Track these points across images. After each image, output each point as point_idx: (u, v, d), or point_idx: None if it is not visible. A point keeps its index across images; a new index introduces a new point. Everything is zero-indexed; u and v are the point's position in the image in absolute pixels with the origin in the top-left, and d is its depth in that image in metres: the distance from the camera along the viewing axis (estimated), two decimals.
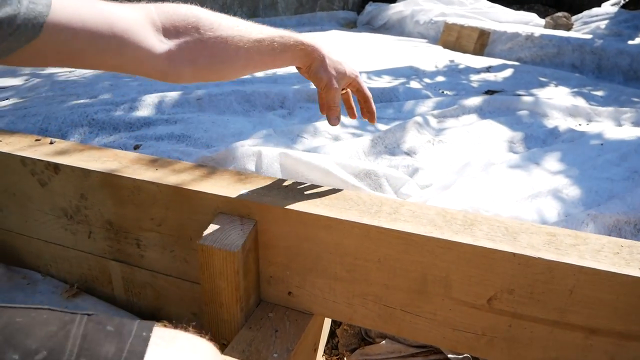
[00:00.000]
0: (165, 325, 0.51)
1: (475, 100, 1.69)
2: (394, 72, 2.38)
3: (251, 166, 1.11)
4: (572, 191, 1.16)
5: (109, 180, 0.95)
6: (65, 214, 1.06)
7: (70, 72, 2.35)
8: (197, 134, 1.45)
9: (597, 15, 3.66)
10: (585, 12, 3.81)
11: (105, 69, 0.59)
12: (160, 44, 0.60)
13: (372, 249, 0.77)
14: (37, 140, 1.12)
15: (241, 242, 0.80)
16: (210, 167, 0.97)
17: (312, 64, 0.75)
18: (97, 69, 0.61)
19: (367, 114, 0.88)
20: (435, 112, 1.59)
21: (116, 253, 1.04)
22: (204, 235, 0.82)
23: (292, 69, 2.44)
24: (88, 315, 0.47)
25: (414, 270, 0.76)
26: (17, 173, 1.07)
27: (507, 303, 0.72)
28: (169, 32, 0.61)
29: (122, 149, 1.43)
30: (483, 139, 1.45)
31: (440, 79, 2.33)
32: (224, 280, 0.82)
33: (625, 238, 1.06)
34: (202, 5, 0.67)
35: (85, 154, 1.03)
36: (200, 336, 0.53)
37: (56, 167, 1.00)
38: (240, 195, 0.84)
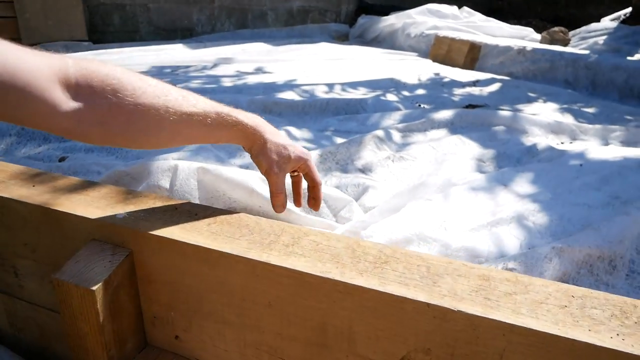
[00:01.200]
0: None
1: (446, 114, 1.54)
2: (371, 85, 2.24)
3: (165, 183, 0.96)
4: (540, 218, 0.99)
5: None
6: None
7: None
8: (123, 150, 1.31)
9: (595, 31, 3.51)
10: (584, 28, 3.67)
11: (4, 120, 0.54)
12: (67, 102, 0.56)
13: (260, 290, 0.62)
14: None
15: (104, 277, 0.64)
16: (98, 185, 0.82)
17: (252, 146, 0.71)
18: None
19: (312, 200, 0.81)
20: (400, 125, 1.44)
21: None
22: (63, 266, 0.66)
23: (264, 78, 2.31)
24: None
25: (311, 319, 0.60)
26: None
27: None
28: (82, 90, 0.57)
29: (46, 162, 1.29)
30: (449, 156, 1.30)
31: (420, 92, 2.19)
32: (85, 322, 0.67)
33: (597, 277, 0.89)
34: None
35: None
36: None
37: None
38: (114, 220, 0.69)
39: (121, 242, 0.69)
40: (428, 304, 0.53)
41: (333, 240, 0.65)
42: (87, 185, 0.81)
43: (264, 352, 0.66)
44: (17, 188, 0.79)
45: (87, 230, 0.71)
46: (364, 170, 1.26)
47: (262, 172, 0.73)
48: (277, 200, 0.73)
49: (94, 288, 0.63)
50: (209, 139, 0.68)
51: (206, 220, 0.69)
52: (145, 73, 0.65)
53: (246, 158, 1.22)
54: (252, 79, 2.27)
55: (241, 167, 1.17)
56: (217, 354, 0.70)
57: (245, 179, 0.95)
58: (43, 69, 0.54)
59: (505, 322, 0.50)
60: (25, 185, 0.80)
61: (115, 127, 0.59)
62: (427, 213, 0.99)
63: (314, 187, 0.78)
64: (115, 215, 0.70)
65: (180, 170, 0.97)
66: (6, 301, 0.89)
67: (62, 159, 1.30)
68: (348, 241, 0.65)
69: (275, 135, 0.72)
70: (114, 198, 0.76)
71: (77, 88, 0.56)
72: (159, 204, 0.74)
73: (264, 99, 1.67)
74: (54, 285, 0.66)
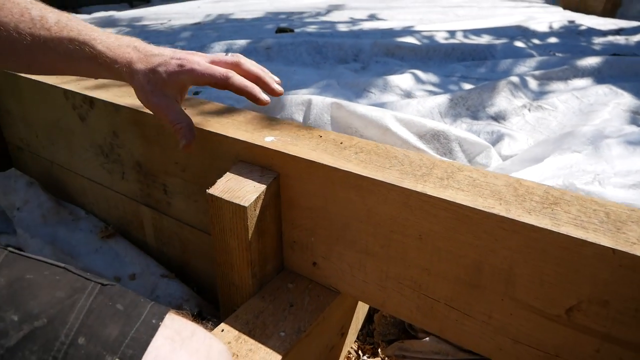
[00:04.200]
0: (183, 315, 0.46)
1: (592, 61, 1.37)
2: (496, 32, 2.07)
3: (299, 117, 0.96)
4: None
5: (137, 118, 0.86)
6: (102, 152, 1.00)
7: (161, 23, 2.36)
8: None
9: None
10: None
11: None
12: None
13: (412, 222, 0.59)
14: None
15: (254, 196, 0.66)
16: (239, 110, 0.83)
17: (124, 81, 0.60)
18: None
19: (266, 87, 0.64)
20: (537, 72, 1.31)
21: (147, 198, 0.96)
22: (216, 184, 0.69)
23: (379, 24, 2.23)
24: (102, 285, 0.43)
25: (466, 256, 0.57)
26: (61, 106, 1.02)
27: (596, 319, 0.51)
28: None
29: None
30: (597, 107, 1.16)
31: (553, 40, 1.98)
32: (234, 238, 0.69)
33: None
34: None
35: (123, 89, 0.95)
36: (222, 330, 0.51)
37: (92, 101, 0.93)
38: (263, 142, 0.70)
39: (269, 165, 0.70)
40: (614, 250, 0.47)
41: (491, 177, 0.60)
42: (232, 110, 0.83)
43: (406, 287, 0.64)
44: None
45: (235, 151, 0.73)
46: (497, 118, 1.17)
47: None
48: (177, 133, 0.60)
49: (246, 205, 0.65)
50: (70, 70, 0.59)
51: (353, 149, 0.68)
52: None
53: (373, 99, 1.18)
54: (367, 25, 2.19)
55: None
56: (355, 284, 0.70)
57: (379, 116, 0.92)
58: None
59: None
60: None
61: None
62: (575, 165, 0.89)
63: (258, 80, 0.62)
64: (264, 138, 0.71)
65: (314, 105, 0.96)
66: (155, 216, 0.97)
67: (196, 93, 1.36)
68: (508, 179, 0.60)
69: (147, 60, 0.58)
70: (260, 123, 0.77)
71: None
72: (303, 131, 0.74)
73: (387, 42, 1.60)
74: (208, 200, 0.69)
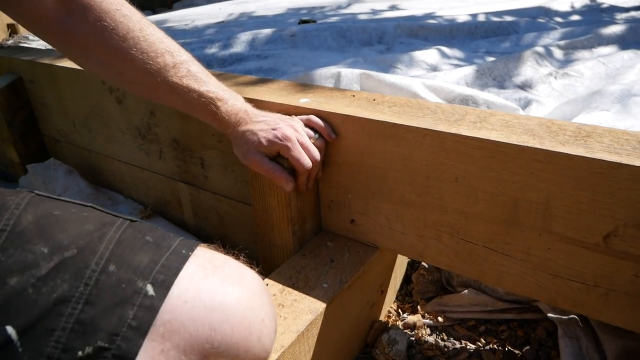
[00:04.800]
0: (214, 248, 0.47)
1: (616, 29, 1.37)
2: (518, 14, 2.06)
3: None
4: None
5: None
6: (140, 133, 1.04)
7: (185, 24, 2.43)
8: (285, 67, 1.37)
9: None
10: None
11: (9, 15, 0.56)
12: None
13: (447, 165, 0.61)
14: None
15: None
16: (273, 80, 0.87)
17: (228, 136, 0.69)
18: None
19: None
20: (562, 42, 1.31)
21: (184, 174, 1.00)
22: None
23: (401, 14, 2.25)
24: (131, 220, 0.44)
25: (502, 194, 0.59)
26: (98, 91, 1.07)
27: (633, 242, 0.52)
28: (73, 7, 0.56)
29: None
30: (623, 70, 1.16)
31: (575, 18, 1.96)
32: (274, 196, 0.72)
33: None
34: None
35: None
36: (250, 266, 0.50)
37: None
38: (298, 103, 0.73)
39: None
40: None
41: (523, 119, 0.62)
42: (265, 80, 0.86)
43: (444, 234, 0.66)
44: None
45: None
46: (523, 86, 1.17)
47: None
48: (278, 181, 0.67)
49: None
50: (184, 110, 0.67)
51: (386, 104, 0.70)
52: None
53: (400, 74, 1.20)
54: (388, 15, 2.22)
55: None
56: (393, 237, 0.72)
57: (407, 83, 0.94)
58: None
59: None
60: None
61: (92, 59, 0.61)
62: (604, 123, 0.90)
63: (297, 173, 0.69)
64: (299, 100, 0.74)
65: (343, 76, 0.99)
66: (192, 192, 1.01)
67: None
68: (540, 120, 0.61)
69: (252, 124, 0.67)
70: (293, 89, 0.80)
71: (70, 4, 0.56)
72: (336, 93, 0.77)
73: (410, 23, 1.62)
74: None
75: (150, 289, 0.38)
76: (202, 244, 0.47)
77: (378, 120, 0.64)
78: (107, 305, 0.37)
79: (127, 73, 0.61)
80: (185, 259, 0.42)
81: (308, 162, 0.66)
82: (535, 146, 0.54)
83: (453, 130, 0.59)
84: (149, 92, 0.64)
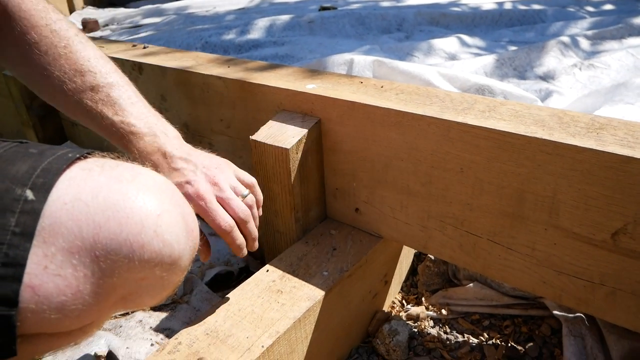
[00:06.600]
0: (116, 157, 0.43)
1: None
2: (547, 2, 1.99)
3: None
4: None
5: (182, 78, 0.90)
6: None
7: (206, 10, 2.44)
8: (301, 54, 1.36)
9: None
10: None
11: None
12: None
13: (453, 155, 0.60)
14: (133, 45, 1.12)
15: (296, 139, 0.68)
16: (283, 66, 0.86)
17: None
18: None
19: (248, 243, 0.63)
20: (590, 32, 1.26)
21: None
22: (259, 131, 0.72)
23: (424, 0, 2.20)
24: (21, 142, 0.41)
25: (507, 186, 0.57)
26: None
27: None
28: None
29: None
30: None
31: (608, 7, 1.89)
32: (277, 183, 0.72)
33: None
34: None
35: (170, 55, 1.00)
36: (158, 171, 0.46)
37: (140, 66, 0.99)
38: (304, 89, 0.72)
39: (310, 111, 0.72)
40: None
41: (534, 109, 0.59)
42: (274, 66, 0.85)
43: (448, 225, 0.65)
44: (215, 68, 0.86)
45: (278, 101, 0.75)
46: (545, 77, 1.13)
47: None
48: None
49: (288, 147, 0.67)
50: (105, 137, 0.60)
51: (393, 91, 0.68)
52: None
53: (416, 62, 1.18)
54: (411, 2, 2.17)
55: None
56: (397, 227, 0.71)
57: (421, 71, 0.92)
58: None
59: None
60: (221, 66, 0.87)
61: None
62: (628, 117, 0.86)
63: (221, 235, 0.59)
64: (306, 86, 0.73)
65: (356, 63, 0.97)
66: None
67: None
68: (553, 110, 0.59)
69: (168, 171, 0.58)
70: (301, 75, 0.79)
71: None
72: (344, 79, 0.75)
73: (431, 10, 1.59)
74: (251, 146, 0.72)
75: (30, 194, 0.36)
76: (99, 152, 0.43)
77: (383, 107, 0.63)
78: None
79: (44, 89, 0.58)
80: (68, 161, 0.39)
81: (225, 222, 0.57)
82: (543, 137, 0.52)
83: (459, 119, 0.57)
84: (65, 110, 0.60)
